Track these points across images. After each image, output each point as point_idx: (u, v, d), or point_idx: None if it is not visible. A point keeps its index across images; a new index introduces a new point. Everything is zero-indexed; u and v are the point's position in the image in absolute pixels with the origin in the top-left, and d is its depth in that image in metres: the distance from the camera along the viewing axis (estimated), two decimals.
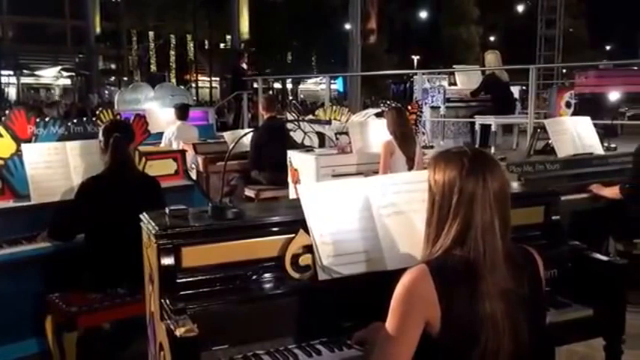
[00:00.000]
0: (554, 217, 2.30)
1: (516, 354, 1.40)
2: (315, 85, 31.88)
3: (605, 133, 4.76)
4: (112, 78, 30.03)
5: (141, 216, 1.95)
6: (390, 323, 1.43)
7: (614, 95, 8.21)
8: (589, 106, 7.88)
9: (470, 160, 1.44)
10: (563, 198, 3.07)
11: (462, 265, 1.40)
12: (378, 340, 1.48)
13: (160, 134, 6.58)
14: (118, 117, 4.29)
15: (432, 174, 1.49)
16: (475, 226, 1.40)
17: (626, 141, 5.17)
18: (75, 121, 3.64)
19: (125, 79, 27.36)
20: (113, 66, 30.23)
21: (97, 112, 4.47)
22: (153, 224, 1.84)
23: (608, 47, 30.54)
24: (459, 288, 1.38)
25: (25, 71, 27.35)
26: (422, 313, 1.39)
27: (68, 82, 27.64)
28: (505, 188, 1.45)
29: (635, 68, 8.89)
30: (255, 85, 11.76)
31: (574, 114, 7.65)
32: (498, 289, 1.39)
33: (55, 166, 3.25)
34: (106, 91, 25.55)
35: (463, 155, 1.45)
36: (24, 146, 3.28)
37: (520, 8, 29.05)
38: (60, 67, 27.48)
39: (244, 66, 11.75)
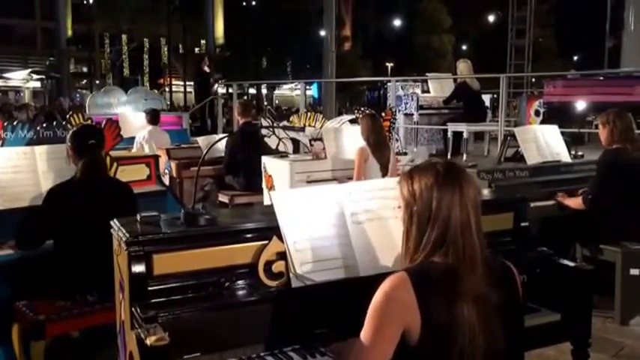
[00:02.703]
0: (523, 224, 2.35)
1: (491, 357, 1.42)
2: (290, 90, 31.89)
3: (572, 141, 4.87)
4: (84, 81, 29.39)
5: (111, 222, 1.93)
6: (367, 329, 1.43)
7: (581, 104, 8.42)
8: (557, 114, 8.04)
9: (444, 169, 1.48)
10: (532, 204, 3.15)
11: (442, 271, 1.42)
12: (355, 348, 1.48)
13: (133, 139, 6.50)
14: (90, 121, 4.23)
15: (406, 186, 1.51)
16: (454, 224, 1.43)
17: (592, 149, 5.29)
18: (44, 125, 3.56)
19: (97, 82, 26.84)
20: (85, 69, 29.59)
21: (68, 116, 4.40)
22: (124, 231, 1.82)
23: (575, 57, 31.29)
24: (439, 293, 1.40)
25: None
26: (401, 320, 1.40)
27: (38, 84, 26.94)
28: (478, 197, 1.50)
29: (601, 78, 9.12)
30: (230, 90, 11.69)
31: (543, 122, 7.81)
32: (475, 292, 1.41)
33: (23, 170, 3.18)
34: (77, 95, 25.03)
35: (436, 164, 1.50)
36: None
37: (491, 18, 29.61)
38: (30, 70, 26.76)
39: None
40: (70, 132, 2.97)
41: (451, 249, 1.43)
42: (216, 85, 11.51)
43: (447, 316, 1.38)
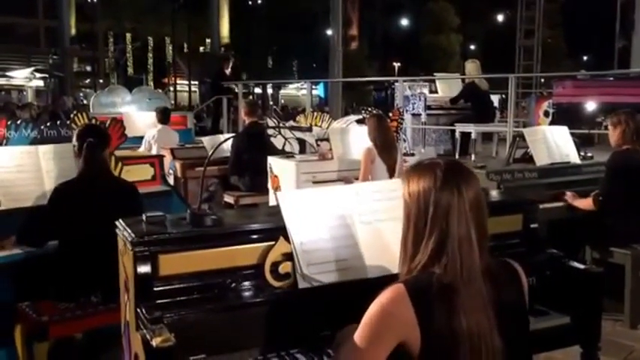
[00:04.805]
0: (532, 225, 2.32)
1: None
2: (296, 90, 31.85)
3: (581, 143, 4.83)
4: (87, 80, 29.43)
5: (117, 223, 1.91)
6: (359, 339, 1.40)
7: (590, 105, 8.38)
8: (567, 115, 8.01)
9: (443, 171, 1.42)
10: (541, 206, 3.11)
11: (440, 283, 1.38)
12: (344, 350, 1.46)
13: (138, 138, 6.49)
14: (94, 120, 4.22)
15: (406, 188, 1.47)
16: (452, 238, 1.39)
17: (602, 150, 5.25)
18: (48, 124, 3.56)
19: (101, 81, 26.87)
20: (88, 68, 29.63)
21: (72, 116, 4.39)
22: (129, 231, 1.80)
23: (585, 57, 31.10)
24: (437, 306, 1.36)
25: None
26: (397, 334, 1.38)
27: (41, 83, 26.88)
28: (480, 197, 1.44)
29: (611, 79, 9.06)
30: (235, 90, 11.68)
31: (552, 123, 7.76)
32: (475, 302, 1.38)
33: (27, 170, 3.16)
34: (81, 94, 25.07)
35: (436, 167, 1.44)
36: None
37: (500, 18, 29.49)
38: (33, 69, 26.65)
39: (227, 71, 11.54)
40: (75, 131, 2.98)
41: (449, 264, 1.39)
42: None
43: (447, 329, 1.36)
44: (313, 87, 20.85)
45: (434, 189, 1.41)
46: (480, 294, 1.38)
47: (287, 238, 1.87)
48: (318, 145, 5.20)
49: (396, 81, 9.53)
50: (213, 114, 11.68)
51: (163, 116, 6.83)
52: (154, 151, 6.14)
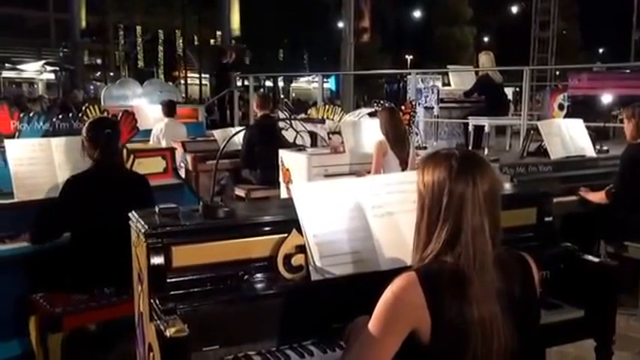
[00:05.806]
0: (546, 219, 2.30)
1: (506, 357, 1.39)
2: (307, 83, 31.76)
3: (597, 136, 4.78)
4: (98, 73, 29.43)
5: (130, 215, 1.91)
6: (373, 327, 1.41)
7: (606, 98, 8.28)
8: (582, 108, 7.94)
9: (458, 161, 1.42)
10: (555, 200, 3.07)
11: (452, 272, 1.38)
12: (358, 340, 1.46)
13: (149, 131, 6.51)
14: (106, 113, 4.23)
15: (420, 177, 1.47)
16: (465, 228, 1.39)
17: (617, 143, 5.20)
18: (60, 116, 3.56)
19: (112, 74, 26.92)
20: (99, 61, 29.66)
21: (84, 108, 4.40)
22: (142, 223, 1.80)
23: (600, 50, 30.69)
24: (449, 294, 1.37)
25: (6, 65, 26.64)
26: (409, 321, 1.38)
27: (52, 76, 26.92)
28: (495, 189, 1.44)
29: (628, 71, 8.94)
30: (246, 83, 11.67)
31: (567, 116, 7.69)
32: (487, 292, 1.38)
33: (40, 162, 3.17)
34: (91, 87, 25.13)
35: (451, 157, 1.44)
36: (7, 142, 3.20)
37: (514, 9, 29.16)
38: (43, 62, 26.70)
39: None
40: (87, 123, 2.97)
41: (463, 254, 1.39)
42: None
43: (458, 317, 1.36)
44: (325, 80, 20.79)
45: (448, 179, 1.41)
46: (492, 283, 1.39)
47: (300, 231, 1.87)
48: (329, 139, 5.17)
49: (409, 74, 9.47)
50: (219, 107, 11.67)
51: (169, 109, 6.80)
52: (162, 145, 6.14)
